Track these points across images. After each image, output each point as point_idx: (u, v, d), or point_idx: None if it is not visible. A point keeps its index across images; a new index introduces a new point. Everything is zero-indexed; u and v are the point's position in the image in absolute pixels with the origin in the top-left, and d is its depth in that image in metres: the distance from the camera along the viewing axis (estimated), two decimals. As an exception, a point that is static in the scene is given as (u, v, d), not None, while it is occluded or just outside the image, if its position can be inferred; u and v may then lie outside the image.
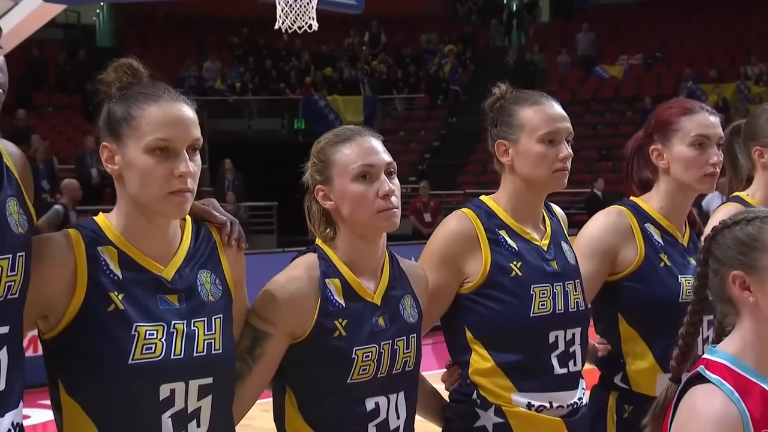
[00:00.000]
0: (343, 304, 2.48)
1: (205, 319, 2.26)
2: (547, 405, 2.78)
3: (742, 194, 3.48)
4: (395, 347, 2.52)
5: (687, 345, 2.31)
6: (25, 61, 22.44)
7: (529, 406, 2.77)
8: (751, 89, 23.25)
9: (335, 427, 2.46)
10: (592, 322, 3.04)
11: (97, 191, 15.65)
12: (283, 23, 8.00)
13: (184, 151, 2.19)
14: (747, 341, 2.15)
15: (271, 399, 2.57)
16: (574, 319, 2.86)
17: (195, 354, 2.21)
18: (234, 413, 2.37)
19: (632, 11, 28.89)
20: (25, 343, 2.22)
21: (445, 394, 2.91)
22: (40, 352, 2.25)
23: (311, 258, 2.53)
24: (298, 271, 2.50)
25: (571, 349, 2.84)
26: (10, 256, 2.08)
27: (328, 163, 2.53)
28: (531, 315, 2.79)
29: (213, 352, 2.24)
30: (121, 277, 2.20)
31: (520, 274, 2.81)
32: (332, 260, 2.52)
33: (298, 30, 8.09)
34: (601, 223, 3.13)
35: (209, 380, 2.23)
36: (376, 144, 2.54)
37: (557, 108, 2.89)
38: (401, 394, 2.53)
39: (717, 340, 2.26)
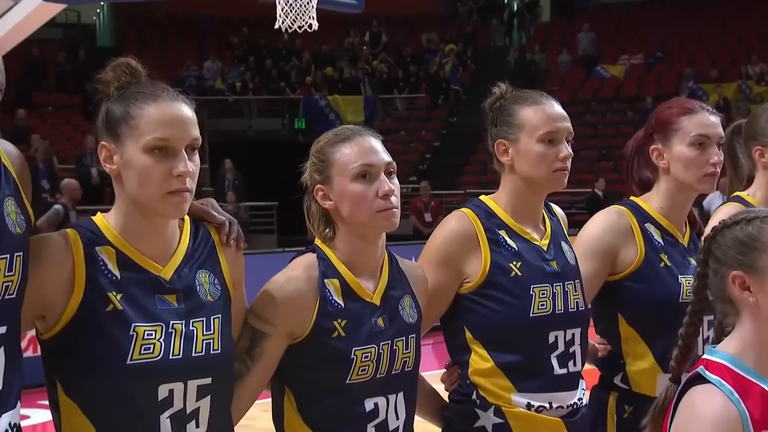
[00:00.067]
0: (342, 305, 2.48)
1: (204, 319, 2.25)
2: (547, 405, 2.77)
3: (742, 194, 3.47)
4: (394, 347, 2.51)
5: (687, 345, 2.31)
6: (24, 60, 22.45)
7: (529, 406, 2.76)
8: (753, 89, 23.24)
9: (334, 427, 2.46)
10: (592, 323, 3.03)
11: (97, 191, 15.66)
12: (283, 23, 8.00)
13: (183, 151, 2.19)
14: (747, 341, 2.15)
15: (271, 399, 2.56)
16: (574, 320, 2.85)
17: (193, 354, 2.21)
18: (233, 413, 2.36)
19: (633, 11, 28.89)
20: (24, 343, 2.22)
21: (445, 395, 2.91)
22: (39, 352, 2.24)
23: (310, 258, 2.53)
24: (296, 271, 2.49)
25: (571, 350, 2.83)
26: (8, 256, 2.08)
27: (327, 163, 2.52)
28: (531, 315, 2.78)
29: (212, 352, 2.24)
30: (119, 277, 2.20)
31: (519, 274, 2.80)
32: (331, 260, 2.52)
33: (298, 29, 8.09)
34: (601, 223, 3.12)
35: (208, 380, 2.22)
36: (376, 144, 2.53)
37: (557, 107, 2.89)
38: (400, 395, 2.52)
39: (717, 340, 2.25)
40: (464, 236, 2.82)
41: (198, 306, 2.26)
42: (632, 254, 3.06)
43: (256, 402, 2.51)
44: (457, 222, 2.85)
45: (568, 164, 2.86)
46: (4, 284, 2.07)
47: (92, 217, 2.29)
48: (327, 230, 2.55)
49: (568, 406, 2.81)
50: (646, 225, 3.11)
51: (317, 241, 2.57)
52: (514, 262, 2.81)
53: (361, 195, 2.47)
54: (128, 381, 2.14)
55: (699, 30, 27.34)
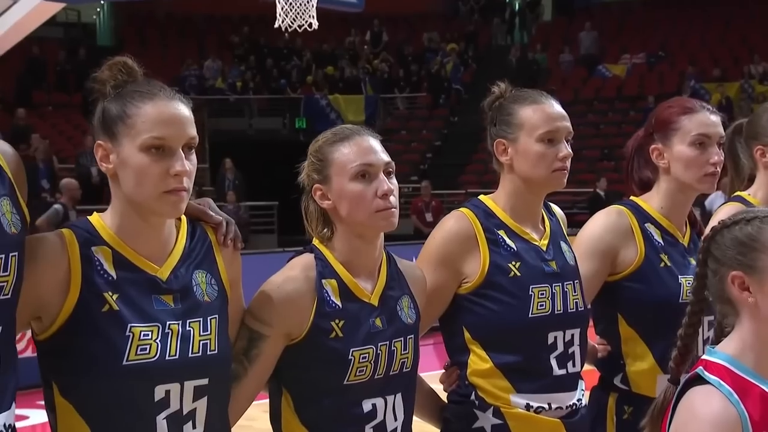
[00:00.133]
0: (340, 305, 2.47)
1: (201, 319, 2.24)
2: (546, 406, 2.76)
3: (743, 194, 3.46)
4: (392, 348, 2.50)
5: (686, 346, 2.30)
6: (25, 59, 22.45)
7: (528, 407, 2.75)
8: (755, 88, 23.21)
9: (332, 428, 2.45)
10: (591, 323, 3.02)
11: (97, 191, 15.65)
12: (282, 22, 7.99)
13: (180, 150, 2.18)
14: (746, 342, 2.14)
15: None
16: (573, 320, 2.84)
17: (190, 355, 2.20)
18: (230, 415, 2.35)
19: (635, 10, 28.88)
20: (24, 343, 2.21)
21: (444, 395, 2.90)
22: (37, 352, 2.23)
23: (308, 258, 2.52)
24: (294, 272, 2.48)
25: (570, 350, 2.82)
26: (3, 256, 2.07)
27: (326, 162, 2.51)
28: (530, 316, 2.77)
29: (208, 352, 2.23)
30: (115, 277, 2.19)
31: (518, 274, 2.79)
32: (329, 260, 2.51)
33: (298, 29, 8.08)
34: (601, 222, 3.11)
35: (205, 381, 2.21)
36: (375, 143, 2.53)
37: (557, 107, 2.87)
38: (399, 396, 2.51)
39: (716, 340, 2.24)
40: (463, 236, 2.81)
41: (195, 306, 2.25)
42: (632, 254, 3.05)
43: (255, 403, 2.51)
44: (456, 222, 2.84)
45: (568, 164, 2.85)
46: (-1, 284, 2.06)
47: (88, 217, 2.27)
48: (325, 230, 2.54)
49: (567, 407, 2.80)
50: (646, 225, 3.09)
51: (315, 242, 2.56)
52: (513, 263, 2.80)
53: (360, 194, 2.46)
54: (124, 382, 2.13)
55: (701, 29, 27.32)
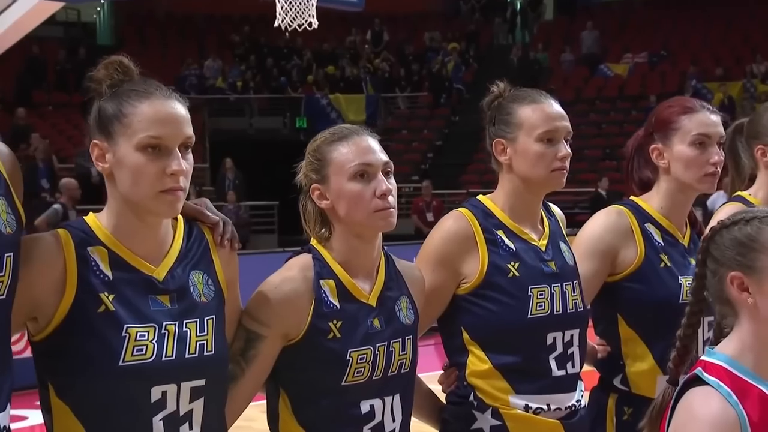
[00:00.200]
0: (338, 306, 2.46)
1: (198, 320, 2.23)
2: (545, 407, 2.75)
3: (744, 194, 3.45)
4: (391, 349, 2.49)
5: (685, 347, 2.29)
6: (24, 58, 22.47)
7: (527, 408, 2.75)
8: (758, 87, 23.20)
9: (330, 429, 2.44)
10: (591, 323, 3.01)
11: (97, 190, 15.63)
12: (282, 21, 7.98)
13: (177, 149, 2.17)
14: (745, 343, 2.13)
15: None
16: (573, 321, 2.83)
17: (187, 355, 2.19)
18: (227, 416, 2.34)
19: (637, 9, 28.88)
20: (23, 344, 2.20)
21: (442, 396, 2.88)
22: (36, 353, 2.22)
23: (306, 258, 2.51)
24: (292, 272, 2.47)
25: (570, 351, 2.81)
26: (-2, 256, 2.06)
27: (324, 162, 2.50)
28: (528, 316, 2.76)
29: (205, 353, 2.22)
30: (111, 277, 2.18)
31: (517, 274, 2.78)
32: (327, 261, 2.50)
33: (298, 28, 8.07)
34: (600, 222, 3.10)
35: (201, 382, 2.20)
36: (373, 143, 2.52)
37: (556, 107, 2.86)
38: (397, 397, 2.50)
39: (715, 341, 2.23)
40: (461, 236, 2.80)
41: (191, 307, 2.24)
42: (632, 254, 3.04)
43: (254, 403, 2.50)
44: (455, 222, 2.83)
45: (567, 164, 2.84)
46: (-6, 285, 2.05)
47: (84, 218, 2.26)
48: (323, 230, 2.53)
49: (566, 408, 2.79)
50: (646, 225, 3.09)
51: (313, 242, 2.55)
52: (512, 263, 2.79)
53: (359, 194, 2.46)
54: (120, 383, 2.12)
55: (703, 28, 27.31)
